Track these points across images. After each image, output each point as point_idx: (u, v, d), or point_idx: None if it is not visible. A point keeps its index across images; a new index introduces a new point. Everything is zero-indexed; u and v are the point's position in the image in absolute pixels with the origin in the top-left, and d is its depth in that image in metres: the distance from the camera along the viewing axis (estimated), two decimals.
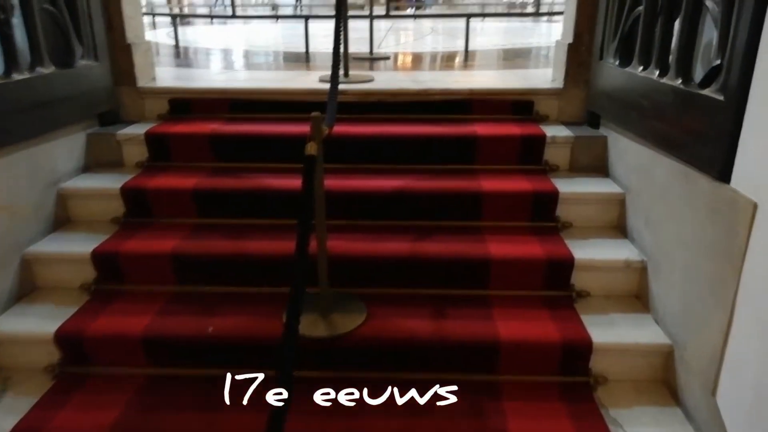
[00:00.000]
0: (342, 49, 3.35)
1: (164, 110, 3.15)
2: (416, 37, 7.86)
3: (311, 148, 1.88)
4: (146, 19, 8.67)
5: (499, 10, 18.37)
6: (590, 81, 2.92)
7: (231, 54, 5.50)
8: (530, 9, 19.22)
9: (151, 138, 2.88)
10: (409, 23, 12.33)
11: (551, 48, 6.34)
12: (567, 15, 3.06)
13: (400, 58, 5.05)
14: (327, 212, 2.08)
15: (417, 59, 5.13)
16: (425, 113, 3.10)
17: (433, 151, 2.84)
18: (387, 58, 4.85)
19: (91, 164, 2.90)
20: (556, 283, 2.32)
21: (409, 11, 20.07)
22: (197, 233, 2.53)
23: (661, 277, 2.15)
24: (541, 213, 2.57)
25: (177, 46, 5.60)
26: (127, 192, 2.64)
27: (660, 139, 2.16)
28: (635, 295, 2.33)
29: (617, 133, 2.64)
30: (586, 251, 2.34)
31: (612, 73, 2.63)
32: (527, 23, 11.74)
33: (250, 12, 21.03)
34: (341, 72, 3.39)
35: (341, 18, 2.95)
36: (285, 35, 7.63)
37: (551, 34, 8.27)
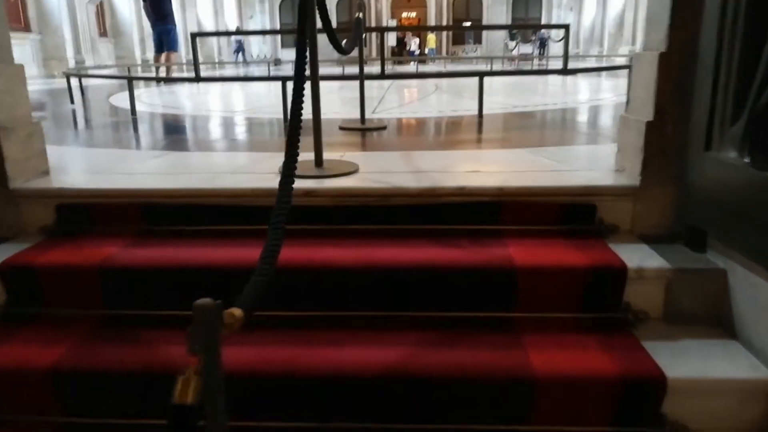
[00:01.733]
0: (305, 119, 2.38)
1: (51, 221, 2.14)
2: (419, 95, 6.99)
3: (184, 390, 0.85)
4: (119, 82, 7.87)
5: (505, 62, 17.83)
6: (686, 178, 1.90)
7: (190, 125, 4.57)
8: (536, 61, 18.72)
9: (8, 273, 1.86)
10: (413, 81, 11.59)
11: (579, 110, 5.52)
12: (639, 77, 2.07)
13: (399, 128, 4.09)
14: (271, 412, 1.03)
15: (420, 129, 4.17)
16: (432, 222, 2.08)
17: (444, 294, 1.79)
18: (383, 128, 3.89)
19: None
20: None
21: (412, 65, 19.60)
22: None
23: None
24: (635, 413, 1.51)
25: (133, 112, 4.69)
26: None
27: None
28: None
29: (750, 270, 1.61)
30: None
31: (732, 174, 1.62)
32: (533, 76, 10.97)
33: (252, 68, 20.54)
34: (312, 158, 2.40)
35: (302, 79, 1.94)
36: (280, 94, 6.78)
37: (566, 89, 7.40)
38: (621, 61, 17.13)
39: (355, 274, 1.80)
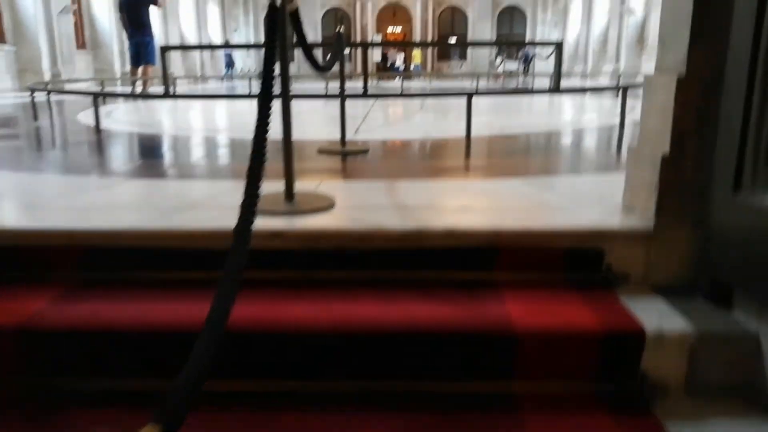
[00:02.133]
0: (280, 144, 2.11)
1: None
2: (404, 114, 6.74)
3: None
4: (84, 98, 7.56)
5: (490, 79, 17.78)
6: (709, 222, 1.66)
7: (159, 146, 4.26)
8: (521, 78, 18.71)
9: None
10: (397, 98, 11.40)
11: (569, 132, 5.29)
12: (652, 103, 1.83)
13: (382, 152, 3.82)
14: None
15: (404, 153, 3.91)
16: (418, 268, 1.81)
17: (432, 363, 1.51)
18: (365, 151, 3.63)
19: None
20: None
21: (397, 81, 19.48)
22: None
23: None
24: None
25: (98, 130, 4.38)
26: None
27: None
28: None
29: None
30: None
31: None
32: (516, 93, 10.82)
33: (236, 82, 20.16)
34: (282, 190, 2.11)
35: (268, 102, 1.68)
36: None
37: (553, 108, 7.22)
38: (605, 80, 17.19)
39: (326, 338, 1.52)
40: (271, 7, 1.82)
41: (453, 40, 26.51)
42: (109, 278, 1.79)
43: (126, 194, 2.40)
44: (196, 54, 24.73)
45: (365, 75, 4.18)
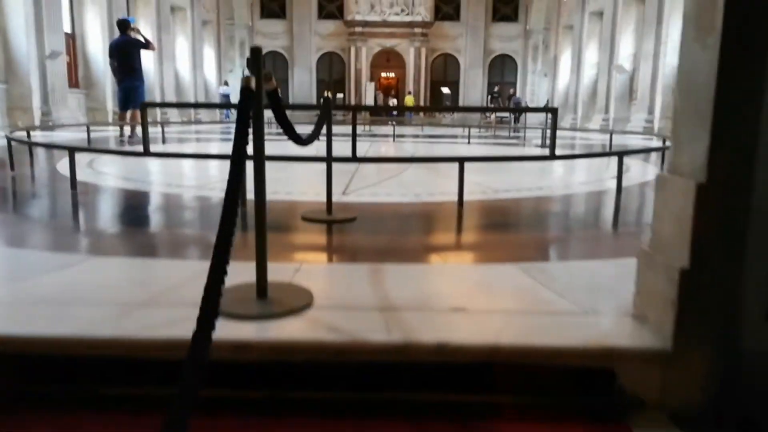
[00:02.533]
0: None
1: None
2: (396, 169, 6.60)
3: None
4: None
5: (482, 130, 17.88)
6: (738, 347, 1.46)
7: (138, 206, 4.04)
8: (512, 127, 18.85)
9: None
10: (389, 146, 11.36)
11: (564, 198, 5.14)
12: (667, 207, 1.65)
13: (369, 221, 3.61)
14: None
15: (393, 223, 3.68)
16: (404, 388, 1.58)
17: None
18: (352, 219, 3.43)
19: None
20: None
21: (392, 125, 19.56)
22: None
23: None
24: None
25: (74, 186, 4.17)
26: None
27: None
28: None
29: None
30: None
31: None
32: (508, 145, 10.79)
33: (231, 126, 20.07)
34: (253, 280, 1.89)
35: (242, 165, 1.55)
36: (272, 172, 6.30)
37: (544, 166, 7.08)
38: (594, 132, 17.33)
39: None
40: (246, 90, 1.65)
41: (446, 90, 26.89)
42: (46, 395, 1.54)
43: (83, 280, 2.15)
44: (191, 95, 24.80)
45: (353, 138, 4.02)
